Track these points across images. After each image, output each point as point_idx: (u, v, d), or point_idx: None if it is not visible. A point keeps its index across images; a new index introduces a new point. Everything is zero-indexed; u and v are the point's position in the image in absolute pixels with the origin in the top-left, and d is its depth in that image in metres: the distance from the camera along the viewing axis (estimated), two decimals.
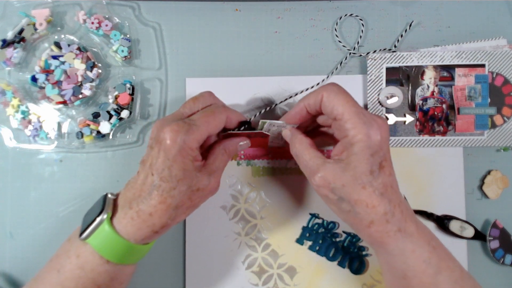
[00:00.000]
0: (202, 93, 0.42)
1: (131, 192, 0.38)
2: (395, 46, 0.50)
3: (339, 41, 0.49)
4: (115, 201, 0.38)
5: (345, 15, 0.49)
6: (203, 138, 0.38)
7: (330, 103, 0.37)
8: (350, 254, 0.48)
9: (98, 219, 0.37)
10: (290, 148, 0.41)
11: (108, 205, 0.38)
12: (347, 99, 0.37)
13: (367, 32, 0.50)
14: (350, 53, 0.49)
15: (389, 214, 0.35)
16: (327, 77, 0.49)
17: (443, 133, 0.48)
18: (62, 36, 0.48)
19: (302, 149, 0.39)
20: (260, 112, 0.48)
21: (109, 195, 0.39)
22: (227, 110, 0.41)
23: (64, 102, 0.47)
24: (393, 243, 0.36)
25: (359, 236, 0.46)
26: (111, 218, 0.37)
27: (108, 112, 0.47)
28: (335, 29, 0.50)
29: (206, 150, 0.42)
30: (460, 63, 0.49)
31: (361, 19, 0.49)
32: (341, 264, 0.48)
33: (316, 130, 0.45)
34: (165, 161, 0.36)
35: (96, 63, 0.48)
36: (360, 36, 0.49)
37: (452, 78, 0.49)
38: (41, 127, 0.48)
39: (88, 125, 0.47)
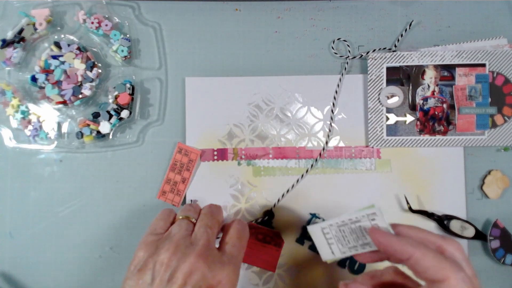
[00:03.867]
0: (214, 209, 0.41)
1: None
2: (395, 46, 0.50)
3: (335, 53, 0.49)
4: None
5: (338, 39, 0.50)
6: None
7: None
8: None
9: None
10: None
11: None
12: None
13: (356, 47, 0.50)
14: (347, 61, 0.49)
15: None
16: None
17: (444, 133, 0.48)
18: (62, 36, 0.48)
19: None
20: (282, 195, 0.48)
21: None
22: None
23: (64, 102, 0.47)
24: None
25: None
26: None
27: (108, 112, 0.47)
28: (332, 48, 0.50)
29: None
30: (460, 62, 0.48)
31: (348, 45, 0.49)
32: (341, 264, 0.48)
33: None
34: None
35: (96, 63, 0.48)
36: (348, 57, 0.50)
37: (452, 78, 0.49)
38: (41, 127, 0.48)
39: (88, 125, 0.47)
